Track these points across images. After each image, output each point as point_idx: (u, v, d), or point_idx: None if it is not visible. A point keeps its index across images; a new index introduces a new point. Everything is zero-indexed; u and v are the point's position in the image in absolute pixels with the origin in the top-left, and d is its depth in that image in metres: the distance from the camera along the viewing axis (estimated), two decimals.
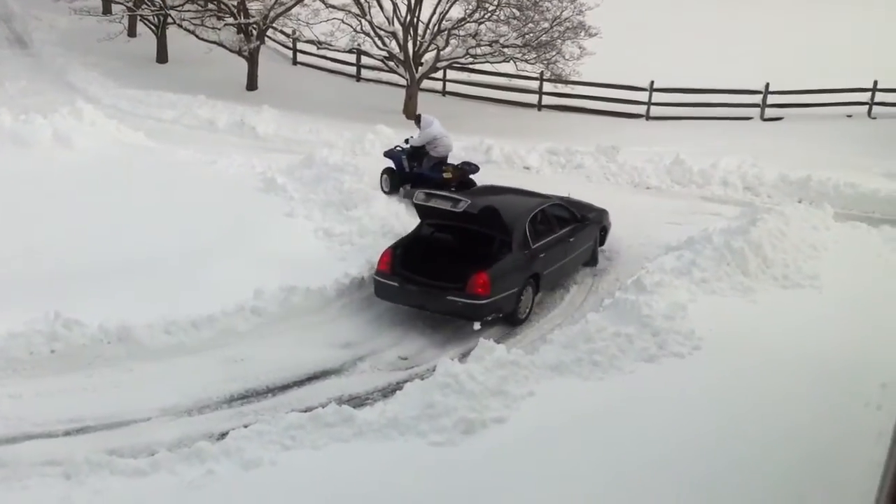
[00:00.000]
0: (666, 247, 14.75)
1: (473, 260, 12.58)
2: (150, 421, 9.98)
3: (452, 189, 15.96)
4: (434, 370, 10.25)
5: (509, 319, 12.79)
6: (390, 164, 18.05)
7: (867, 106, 25.18)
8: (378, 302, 13.00)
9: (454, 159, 18.19)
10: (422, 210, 13.30)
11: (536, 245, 13.16)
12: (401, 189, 17.55)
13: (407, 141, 18.21)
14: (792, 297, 12.39)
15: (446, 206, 12.73)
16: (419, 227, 13.69)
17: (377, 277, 12.77)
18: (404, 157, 17.91)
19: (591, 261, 14.94)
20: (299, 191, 15.81)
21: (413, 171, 17.74)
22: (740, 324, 11.51)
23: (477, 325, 12.39)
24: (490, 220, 12.84)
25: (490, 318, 12.47)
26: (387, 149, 18.81)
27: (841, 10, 40.41)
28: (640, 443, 8.86)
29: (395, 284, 12.53)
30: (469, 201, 12.69)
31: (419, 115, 18.53)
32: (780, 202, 16.74)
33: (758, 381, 10.01)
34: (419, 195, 13.11)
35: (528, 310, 13.05)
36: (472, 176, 17.39)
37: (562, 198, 15.17)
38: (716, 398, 9.72)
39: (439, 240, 13.39)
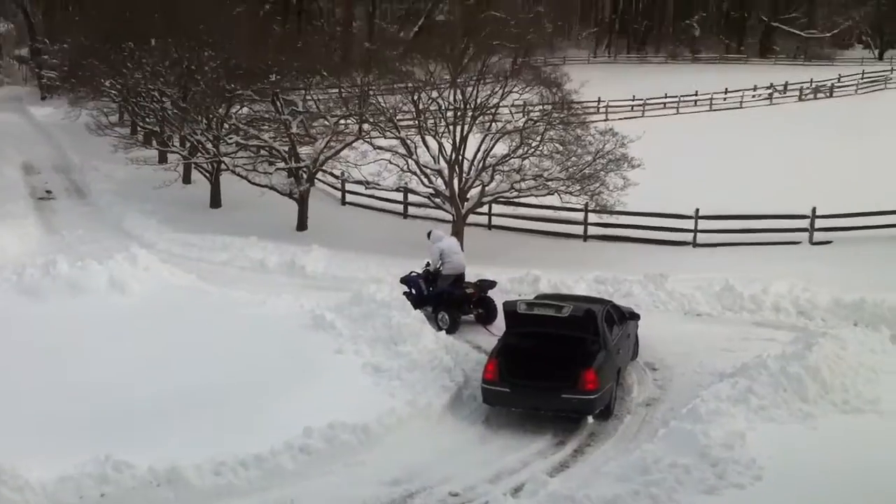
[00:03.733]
0: (720, 374, 14.52)
1: (573, 360, 13.58)
2: None
3: (472, 305, 17.98)
4: None
5: (604, 414, 13.78)
6: (406, 289, 18.52)
7: None
8: (426, 438, 12.88)
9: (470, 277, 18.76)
10: (520, 318, 14.39)
11: (614, 342, 14.36)
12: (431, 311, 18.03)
13: (428, 265, 18.90)
14: (853, 422, 12.04)
15: (550, 312, 14.14)
16: (506, 337, 14.67)
17: (486, 386, 13.79)
18: (420, 280, 18.63)
19: (635, 354, 16.12)
20: (348, 327, 15.88)
21: (431, 292, 18.17)
22: (801, 452, 11.17)
23: (590, 420, 13.59)
24: (582, 323, 14.03)
25: (597, 412, 13.60)
26: (402, 276, 19.21)
27: (882, 133, 40.69)
28: None
29: (507, 390, 13.52)
30: (572, 306, 14.10)
31: (429, 232, 19.05)
32: (835, 326, 16.45)
33: None
34: (521, 304, 14.51)
35: (613, 405, 14.08)
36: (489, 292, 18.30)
37: (609, 300, 16.63)
38: None
39: (533, 346, 14.16)
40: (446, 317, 17.83)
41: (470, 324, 18.13)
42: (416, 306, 17.41)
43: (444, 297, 18.09)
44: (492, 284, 18.51)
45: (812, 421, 12.02)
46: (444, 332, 16.70)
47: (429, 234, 19.27)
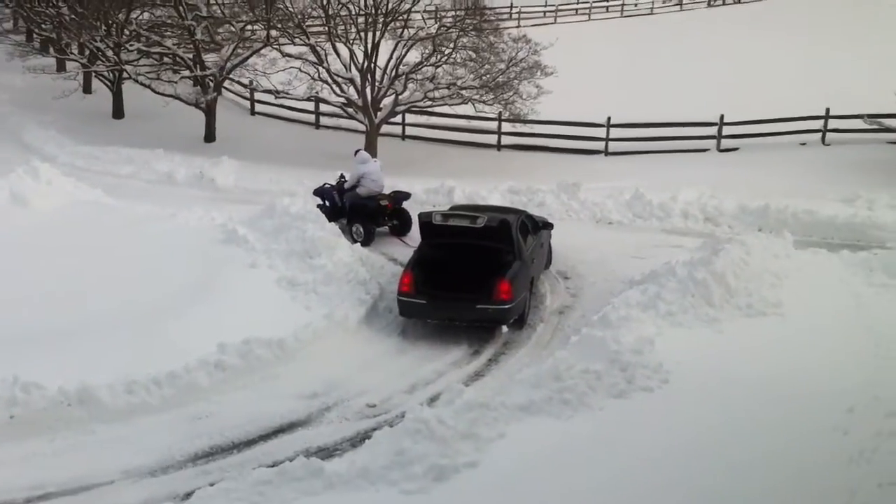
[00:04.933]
0: (630, 281, 14.80)
1: (488, 271, 13.64)
2: (113, 484, 9.76)
3: (387, 217, 18.00)
4: (403, 416, 10.14)
5: (518, 323, 13.91)
6: (319, 202, 18.49)
7: (821, 133, 25.56)
8: (343, 351, 12.92)
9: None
10: (435, 229, 14.34)
11: (528, 252, 14.43)
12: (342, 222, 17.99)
13: (342, 176, 18.81)
14: (757, 325, 12.45)
15: (465, 223, 14.17)
16: (421, 248, 14.64)
17: (402, 298, 13.74)
18: (334, 192, 18.52)
19: (548, 263, 16.30)
20: (261, 241, 15.66)
21: (345, 204, 18.16)
22: (707, 354, 11.54)
23: (504, 329, 13.68)
24: (497, 233, 14.06)
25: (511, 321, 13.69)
26: (315, 187, 19.05)
27: (791, 40, 41.36)
28: (614, 480, 8.80)
29: (423, 302, 13.57)
30: (486, 217, 14.07)
31: (357, 150, 18.92)
32: (740, 232, 16.89)
33: (727, 410, 10.00)
34: (436, 216, 14.39)
35: (527, 314, 14.20)
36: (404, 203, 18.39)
37: (523, 210, 16.56)
38: (686, 430, 9.69)
39: (449, 257, 14.23)
40: (360, 229, 17.75)
41: (384, 235, 18.13)
42: (329, 219, 17.24)
43: (357, 209, 17.94)
44: (406, 196, 18.45)
45: (718, 325, 12.40)
46: (358, 244, 16.62)
47: (356, 153, 18.98)
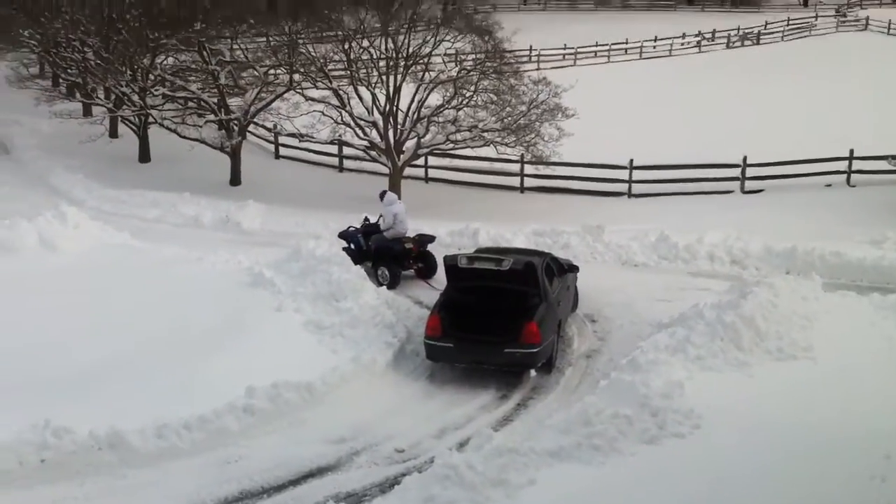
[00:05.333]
0: (658, 324, 14.71)
1: (515, 314, 13.61)
2: None
3: (412, 260, 17.91)
4: (432, 461, 10.09)
5: (546, 367, 13.85)
6: (344, 244, 18.50)
7: (846, 175, 25.48)
8: (370, 395, 12.89)
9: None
10: (461, 272, 14.35)
11: (554, 294, 14.41)
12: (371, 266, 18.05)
13: (366, 219, 18.86)
14: (787, 369, 12.30)
15: (491, 266, 14.11)
16: (447, 291, 14.65)
17: (429, 342, 13.72)
18: (359, 235, 18.51)
19: (575, 305, 16.24)
20: (287, 284, 15.70)
21: (370, 247, 18.15)
22: (739, 399, 11.40)
23: (533, 373, 13.63)
24: (523, 276, 14.01)
25: (539, 365, 13.64)
26: (341, 230, 19.09)
27: (815, 82, 41.42)
28: None
29: (451, 345, 13.52)
30: (512, 259, 14.06)
31: (383, 192, 18.86)
32: (767, 274, 16.78)
33: (760, 457, 9.87)
34: (462, 259, 14.42)
35: (555, 357, 14.17)
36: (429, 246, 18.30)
37: (549, 253, 16.58)
38: (719, 477, 9.59)
39: (476, 300, 14.19)
40: (386, 272, 17.77)
41: (410, 278, 18.13)
42: (355, 262, 17.30)
43: (383, 252, 17.98)
44: (431, 239, 18.47)
45: (748, 369, 12.27)
46: (384, 287, 16.64)
47: (382, 195, 18.94)
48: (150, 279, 15.97)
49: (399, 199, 19.44)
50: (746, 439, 10.29)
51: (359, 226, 18.94)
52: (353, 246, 18.46)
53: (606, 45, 56.59)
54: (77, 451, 10.76)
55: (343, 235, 18.86)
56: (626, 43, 57.66)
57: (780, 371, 12.25)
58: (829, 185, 25.40)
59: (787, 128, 31.82)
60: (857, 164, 25.30)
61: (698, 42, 60.89)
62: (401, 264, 17.95)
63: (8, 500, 10.07)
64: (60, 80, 38.03)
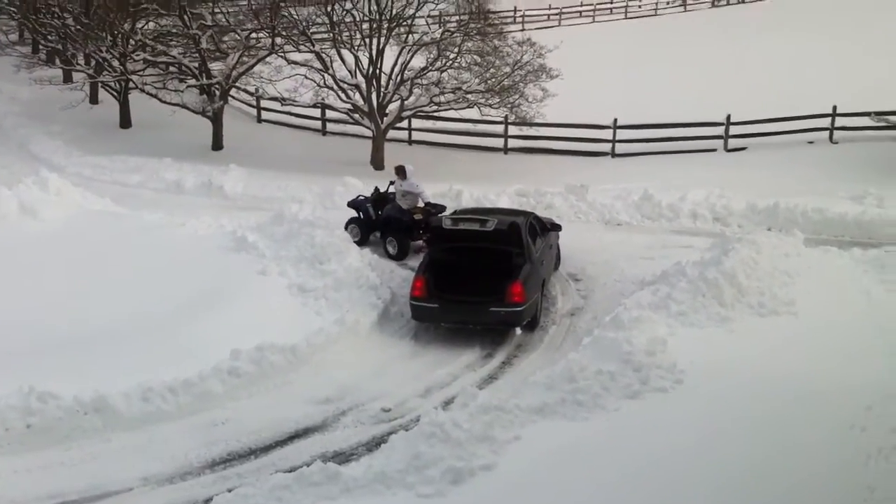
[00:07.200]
0: (641, 282, 14.81)
1: (499, 274, 13.68)
2: (132, 491, 9.81)
3: (420, 231, 17.19)
4: (418, 420, 10.16)
5: (530, 326, 13.92)
6: (353, 214, 18.25)
7: (828, 131, 25.53)
8: (356, 356, 12.95)
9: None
10: (445, 233, 14.36)
11: (538, 254, 14.43)
12: (371, 236, 17.87)
13: (377, 189, 18.43)
14: (769, 324, 12.43)
15: (475, 226, 14.14)
16: (432, 252, 14.64)
17: (414, 302, 13.78)
18: (369, 204, 18.14)
19: (557, 264, 16.30)
20: (271, 248, 15.68)
21: (380, 217, 17.86)
22: (720, 354, 11.52)
23: (517, 331, 13.71)
24: (507, 236, 14.06)
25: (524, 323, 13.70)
26: (350, 199, 18.87)
27: (798, 39, 41.30)
28: (630, 481, 8.79)
29: (436, 306, 13.58)
30: (496, 220, 14.12)
31: (402, 167, 18.00)
32: (750, 231, 16.85)
33: (742, 410, 9.98)
34: (446, 220, 14.53)
35: (539, 316, 14.20)
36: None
37: (532, 212, 16.52)
38: (701, 430, 9.68)
39: (460, 260, 14.27)
40: (395, 243, 17.54)
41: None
42: (363, 231, 17.51)
43: (394, 222, 17.58)
44: (441, 208, 17.81)
45: (730, 324, 12.38)
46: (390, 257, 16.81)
47: (402, 169, 17.92)
48: (132, 245, 15.91)
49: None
50: (729, 393, 10.39)
51: (366, 195, 18.64)
52: (361, 215, 18.21)
53: (591, 4, 56.30)
54: (62, 417, 10.78)
55: (353, 204, 18.47)
56: (612, 2, 57.35)
57: (762, 326, 12.36)
58: (812, 143, 25.48)
59: (772, 85, 31.76)
60: (839, 121, 25.35)
61: (684, 1, 60.61)
62: (410, 235, 17.55)
63: None
64: (40, 47, 37.55)
